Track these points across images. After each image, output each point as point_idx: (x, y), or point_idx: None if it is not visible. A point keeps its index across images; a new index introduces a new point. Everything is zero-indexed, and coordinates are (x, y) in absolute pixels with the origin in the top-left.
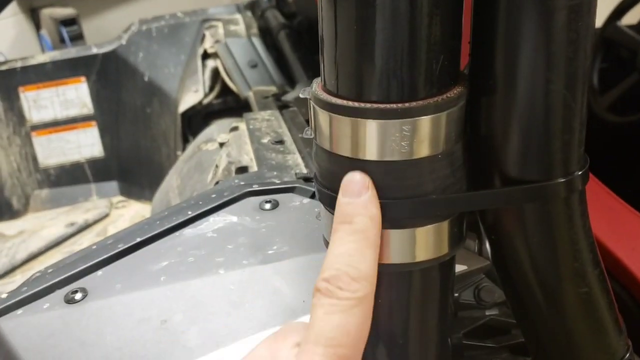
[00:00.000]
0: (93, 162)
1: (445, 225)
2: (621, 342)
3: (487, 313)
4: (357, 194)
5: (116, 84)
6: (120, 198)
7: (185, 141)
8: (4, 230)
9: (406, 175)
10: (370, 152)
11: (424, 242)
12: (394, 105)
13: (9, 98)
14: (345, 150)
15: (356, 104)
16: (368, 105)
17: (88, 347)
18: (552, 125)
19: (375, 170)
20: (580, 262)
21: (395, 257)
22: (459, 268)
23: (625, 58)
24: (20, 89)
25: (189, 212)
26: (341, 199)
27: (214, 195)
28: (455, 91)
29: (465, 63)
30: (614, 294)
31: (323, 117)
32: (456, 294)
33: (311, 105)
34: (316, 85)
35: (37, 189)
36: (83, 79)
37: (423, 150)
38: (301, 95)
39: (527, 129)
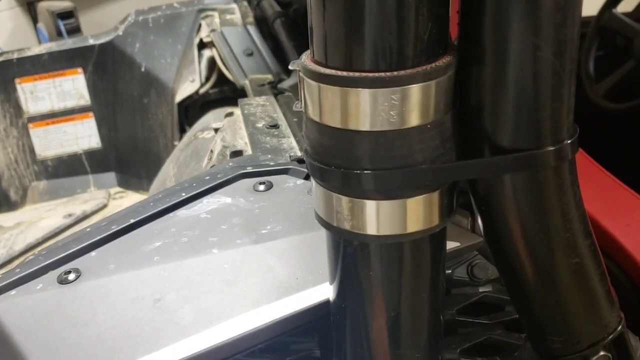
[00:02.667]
0: (90, 154)
1: (435, 196)
2: (613, 314)
3: (481, 290)
4: None
5: (113, 75)
6: (118, 189)
7: (182, 131)
8: (1, 222)
9: (396, 146)
10: (360, 122)
11: (414, 213)
12: (382, 74)
13: (6, 90)
14: (334, 121)
15: (345, 73)
16: (357, 74)
17: (81, 327)
18: (541, 93)
19: (364, 140)
20: (571, 232)
21: (386, 228)
22: (452, 245)
23: (621, 45)
24: (17, 80)
25: (183, 194)
26: None
27: (207, 178)
28: (444, 60)
29: (454, 34)
30: (607, 271)
31: (312, 88)
32: (449, 271)
33: (300, 77)
34: (305, 57)
35: (34, 180)
36: (80, 70)
37: (412, 119)
38: (290, 67)
39: (516, 98)
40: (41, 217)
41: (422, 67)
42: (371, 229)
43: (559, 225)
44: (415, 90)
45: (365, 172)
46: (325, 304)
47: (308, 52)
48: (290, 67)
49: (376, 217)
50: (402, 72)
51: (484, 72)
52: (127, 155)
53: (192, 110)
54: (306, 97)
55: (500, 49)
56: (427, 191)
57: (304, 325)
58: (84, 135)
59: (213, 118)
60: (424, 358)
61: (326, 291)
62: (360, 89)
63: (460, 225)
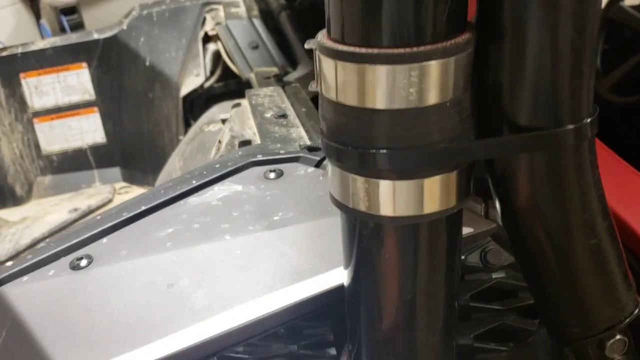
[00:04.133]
0: (95, 148)
1: (453, 176)
2: (630, 297)
3: (494, 276)
4: None
5: (117, 69)
6: (123, 184)
7: (187, 125)
8: (7, 216)
9: (414, 124)
10: (377, 100)
11: (431, 194)
12: (401, 50)
13: (10, 84)
14: (351, 99)
15: (362, 50)
16: (375, 50)
17: (94, 312)
18: (561, 71)
19: (382, 119)
20: (589, 212)
21: (403, 209)
22: (466, 231)
23: (629, 39)
24: (21, 75)
25: (194, 182)
26: None
27: (217, 166)
28: (463, 37)
29: (472, 13)
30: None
31: (328, 65)
32: (462, 257)
33: (316, 55)
34: (322, 35)
35: (40, 175)
36: (84, 64)
37: (431, 97)
38: (306, 46)
39: (536, 76)
40: (47, 212)
41: (441, 43)
42: (387, 210)
43: (577, 205)
44: (434, 67)
45: (382, 151)
46: (339, 288)
47: (324, 30)
48: (306, 47)
49: (392, 198)
50: (421, 48)
51: (503, 50)
52: (132, 149)
53: (197, 104)
54: (322, 76)
55: (519, 26)
56: (444, 171)
57: (317, 310)
58: (88, 130)
59: (219, 111)
60: (439, 342)
61: (340, 276)
62: (378, 65)
63: (474, 212)
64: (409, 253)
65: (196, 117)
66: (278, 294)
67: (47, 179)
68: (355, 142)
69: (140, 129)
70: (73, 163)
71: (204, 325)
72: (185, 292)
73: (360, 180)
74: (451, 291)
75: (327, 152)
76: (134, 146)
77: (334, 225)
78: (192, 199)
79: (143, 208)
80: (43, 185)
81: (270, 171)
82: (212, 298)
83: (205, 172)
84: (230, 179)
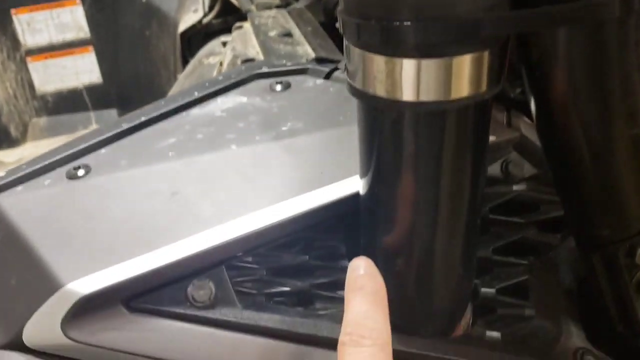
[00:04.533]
0: (91, 89)
1: (485, 56)
2: None
3: (515, 188)
4: (367, 270)
5: (112, 6)
6: None
7: (185, 64)
8: (3, 158)
9: None
10: None
11: (460, 75)
12: None
13: (2, 21)
14: None
15: None
16: None
17: (94, 220)
18: None
19: None
20: (632, 98)
21: (428, 93)
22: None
23: None
24: (13, 11)
25: (196, 93)
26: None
27: (221, 78)
28: None
29: None
30: None
31: None
32: None
33: None
34: None
35: (35, 116)
36: (78, 0)
37: None
38: None
39: None
40: None
41: None
42: (411, 94)
43: (620, 89)
44: None
45: (407, 23)
46: (352, 198)
47: None
48: None
49: (417, 80)
50: None
51: None
52: (129, 90)
53: (195, 41)
54: None
55: None
56: (476, 49)
57: (328, 220)
58: (84, 69)
59: (218, 44)
60: (460, 252)
61: (352, 185)
62: None
63: (496, 120)
64: (433, 146)
65: (194, 55)
66: (287, 203)
67: (42, 120)
68: (377, 14)
69: (136, 68)
70: (69, 104)
71: (211, 232)
72: (191, 200)
73: (381, 61)
74: (475, 194)
75: (346, 31)
76: (131, 86)
77: (345, 135)
78: (195, 111)
79: (143, 119)
80: (38, 127)
81: (277, 83)
82: (219, 206)
83: (207, 85)
84: (234, 91)
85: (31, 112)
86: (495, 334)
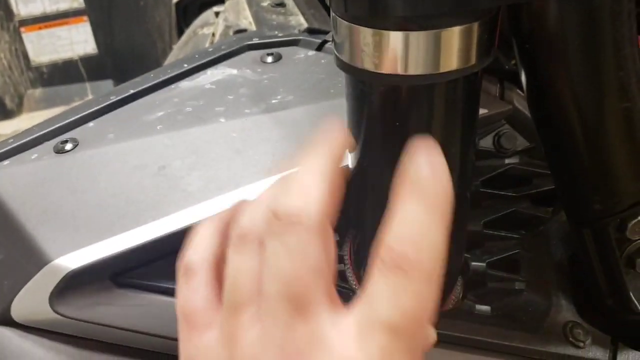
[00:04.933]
0: (87, 60)
1: (474, 28)
2: None
3: (507, 161)
4: (433, 168)
5: None
6: None
7: (181, 33)
8: None
9: None
10: None
11: (449, 48)
12: None
13: None
14: None
15: None
16: None
17: (81, 194)
18: None
19: None
20: (625, 71)
21: (416, 66)
22: (480, 112)
23: None
24: None
25: (185, 65)
26: (413, 169)
27: (210, 50)
28: None
29: None
30: None
31: None
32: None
33: None
34: None
35: (30, 88)
36: None
37: None
38: None
39: None
40: None
41: None
42: (399, 67)
43: (612, 62)
44: None
45: None
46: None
47: None
48: None
49: (405, 53)
50: None
51: None
52: (124, 61)
53: (190, 11)
54: None
55: None
56: (465, 21)
57: None
58: (79, 40)
59: (213, 14)
60: (451, 221)
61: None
62: None
63: (488, 92)
64: (422, 119)
65: (190, 25)
66: (277, 177)
67: (37, 91)
68: None
69: (132, 39)
70: (64, 75)
71: (199, 207)
72: (179, 174)
73: (369, 33)
74: (466, 168)
75: (333, 3)
76: (126, 57)
77: (337, 107)
78: (184, 83)
79: (131, 92)
80: (34, 98)
81: (268, 54)
82: (207, 180)
83: (197, 56)
84: (224, 62)
85: (26, 83)
86: (485, 308)
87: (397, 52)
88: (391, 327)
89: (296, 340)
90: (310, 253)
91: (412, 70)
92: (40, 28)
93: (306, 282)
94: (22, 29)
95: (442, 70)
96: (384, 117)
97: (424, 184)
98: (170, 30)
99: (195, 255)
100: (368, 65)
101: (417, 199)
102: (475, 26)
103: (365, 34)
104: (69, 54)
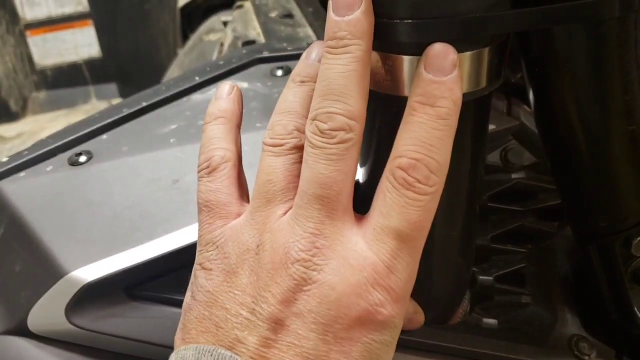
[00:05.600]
0: (91, 63)
1: (485, 53)
2: None
3: (514, 176)
4: (445, 71)
5: None
6: (120, 100)
7: (185, 39)
8: (3, 132)
9: None
10: None
11: (460, 73)
12: None
13: None
14: None
15: None
16: None
17: (96, 207)
18: None
19: None
20: (631, 95)
21: None
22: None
23: None
24: None
25: (196, 78)
26: (424, 75)
27: (221, 62)
28: None
29: None
30: None
31: None
32: None
33: None
34: None
35: (34, 91)
36: None
37: None
38: None
39: None
40: (42, 128)
41: None
42: (408, 91)
43: (618, 86)
44: None
45: (407, 21)
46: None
47: None
48: None
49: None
50: None
51: None
52: (128, 65)
53: (195, 16)
54: None
55: None
56: (476, 47)
57: None
58: (83, 43)
59: (218, 20)
60: (459, 236)
61: None
62: None
63: (496, 108)
64: None
65: (194, 30)
66: None
67: (41, 94)
68: (377, 11)
69: (136, 43)
70: (68, 78)
71: None
72: (192, 187)
73: (381, 58)
74: (474, 185)
75: None
76: (131, 61)
77: None
78: (195, 96)
79: (144, 104)
80: (38, 101)
81: (278, 68)
82: None
83: (208, 69)
84: (235, 76)
85: (31, 86)
86: (492, 321)
87: (409, 76)
88: (400, 234)
89: (323, 232)
90: (347, 161)
91: None
92: (45, 31)
93: (340, 187)
94: (28, 33)
95: None
96: (395, 137)
97: (426, 89)
98: (175, 35)
99: (218, 152)
100: (380, 88)
101: (421, 108)
102: (486, 51)
103: (378, 58)
104: (73, 57)
